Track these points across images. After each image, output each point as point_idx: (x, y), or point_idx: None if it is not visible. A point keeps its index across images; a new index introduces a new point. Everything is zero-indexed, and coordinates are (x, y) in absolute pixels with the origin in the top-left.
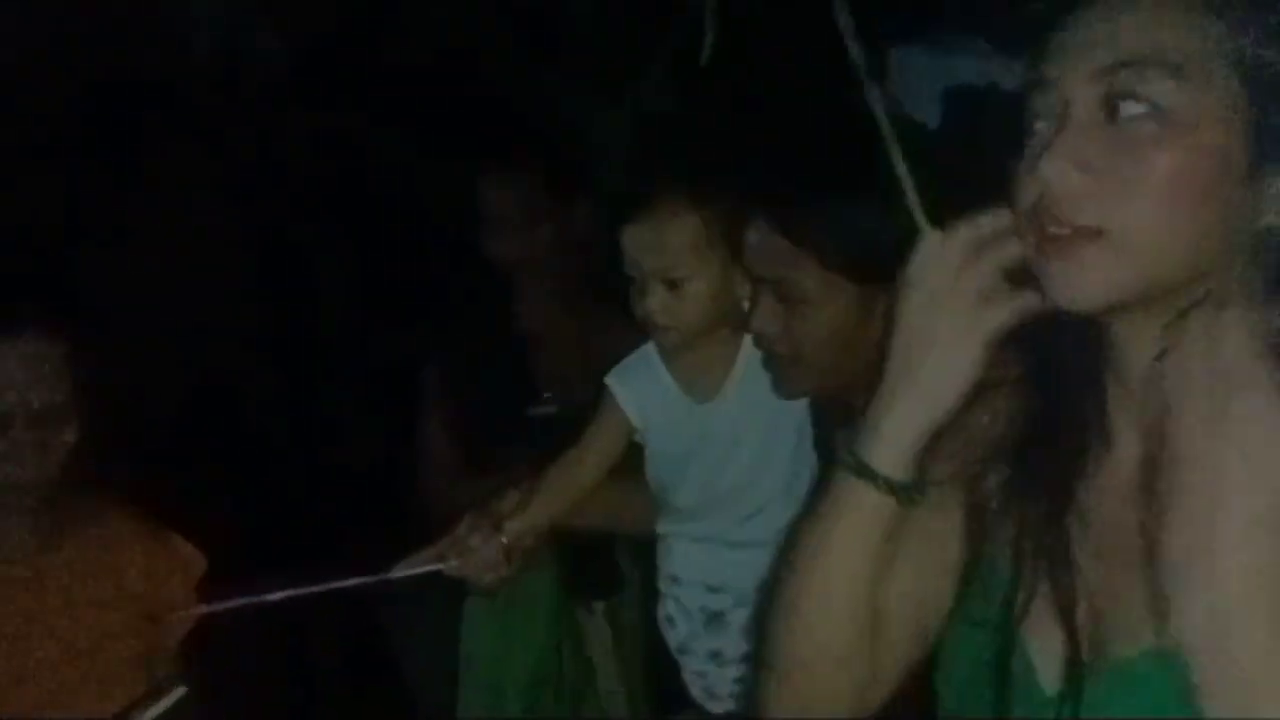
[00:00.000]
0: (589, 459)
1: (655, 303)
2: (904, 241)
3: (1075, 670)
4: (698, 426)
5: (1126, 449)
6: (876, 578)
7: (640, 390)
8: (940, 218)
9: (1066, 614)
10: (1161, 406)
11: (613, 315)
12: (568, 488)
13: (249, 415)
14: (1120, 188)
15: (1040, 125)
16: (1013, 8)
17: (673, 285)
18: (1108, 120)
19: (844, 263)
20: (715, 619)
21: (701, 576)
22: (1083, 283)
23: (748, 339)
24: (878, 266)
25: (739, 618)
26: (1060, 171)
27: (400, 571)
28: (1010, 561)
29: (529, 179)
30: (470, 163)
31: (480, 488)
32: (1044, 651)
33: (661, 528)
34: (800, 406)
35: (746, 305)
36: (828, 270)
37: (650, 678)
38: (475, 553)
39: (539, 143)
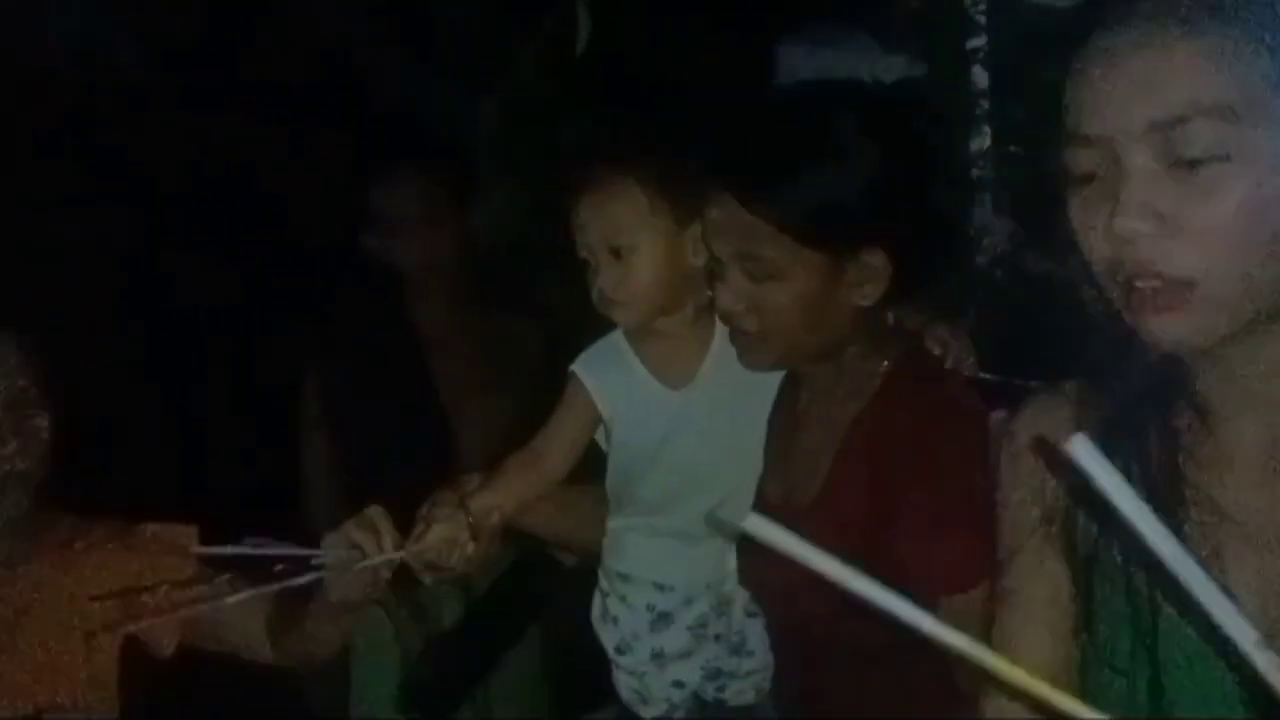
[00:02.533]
0: (555, 449)
1: (606, 278)
2: (870, 208)
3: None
4: (672, 414)
5: (1245, 431)
6: None
7: (609, 378)
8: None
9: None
10: (1272, 399)
11: (511, 320)
12: (531, 476)
13: (123, 432)
14: (1200, 235)
15: (1097, 175)
16: (894, 4)
17: (618, 254)
18: (1169, 169)
19: (811, 233)
20: (662, 618)
21: (652, 574)
22: (1180, 331)
23: (720, 326)
24: (845, 235)
25: (685, 617)
26: (1135, 227)
27: (363, 564)
28: (1124, 588)
29: (427, 181)
30: (355, 166)
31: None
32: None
33: (615, 523)
34: (769, 396)
35: (709, 285)
36: (795, 242)
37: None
38: (439, 531)
39: (434, 144)
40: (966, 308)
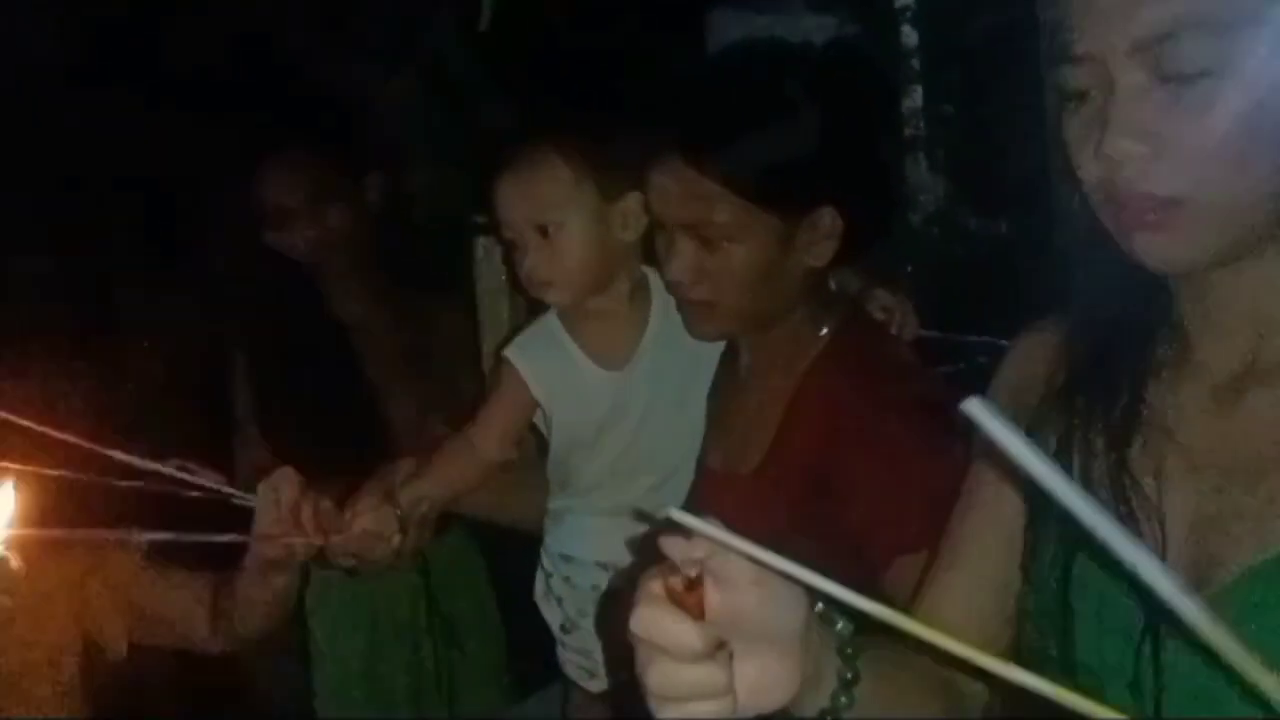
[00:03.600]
0: (488, 437)
1: (533, 258)
2: (820, 166)
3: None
4: (611, 397)
5: (1214, 356)
6: None
7: (543, 362)
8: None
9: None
10: (1251, 325)
11: (428, 299)
12: (465, 465)
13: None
14: (1190, 154)
15: (1090, 94)
16: None
17: (545, 233)
18: (1159, 86)
19: (765, 193)
20: (612, 596)
21: (595, 554)
22: (1172, 250)
23: (656, 303)
24: (797, 194)
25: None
26: (1126, 148)
27: (283, 541)
28: (1056, 535)
29: (311, 163)
30: (253, 148)
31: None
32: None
33: (555, 503)
34: (710, 367)
35: (659, 258)
36: (749, 203)
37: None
38: (365, 523)
39: (320, 124)
40: (903, 266)
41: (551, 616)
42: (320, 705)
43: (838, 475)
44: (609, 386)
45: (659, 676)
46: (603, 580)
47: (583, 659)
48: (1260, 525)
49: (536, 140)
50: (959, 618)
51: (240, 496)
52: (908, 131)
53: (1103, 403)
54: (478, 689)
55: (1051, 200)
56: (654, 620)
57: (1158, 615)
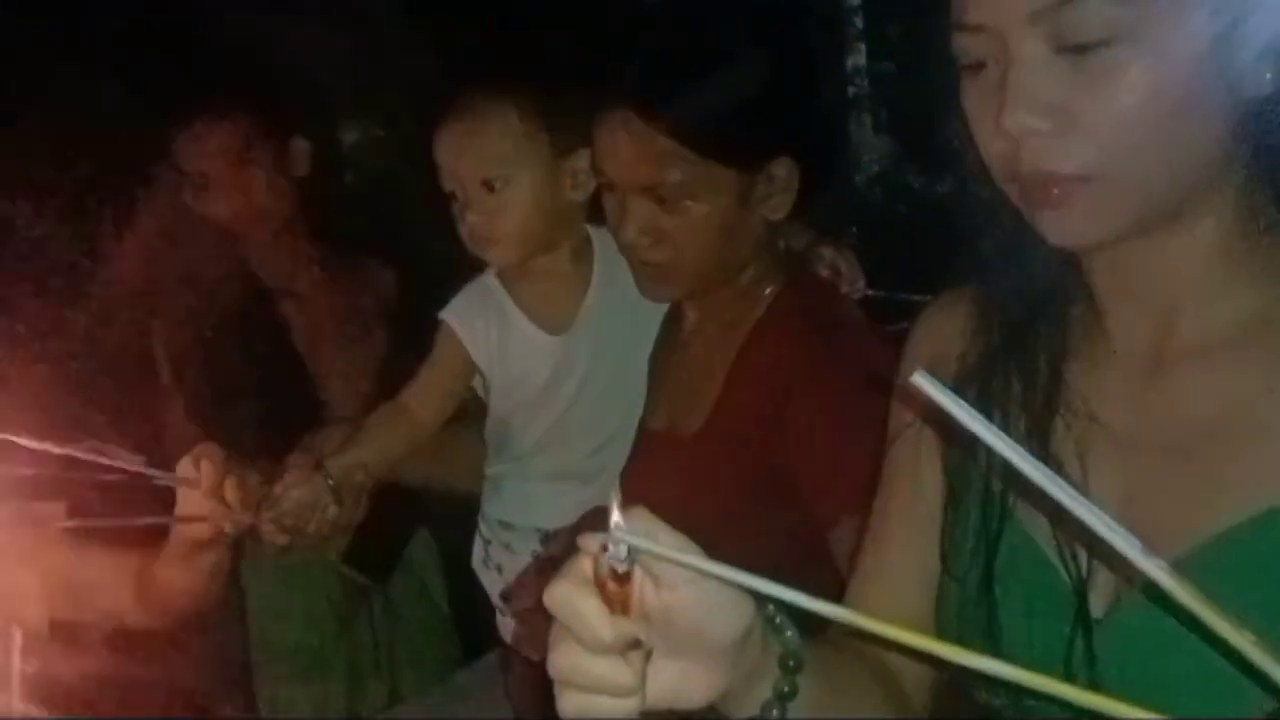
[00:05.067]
0: (424, 403)
1: (477, 215)
2: (775, 117)
3: (1080, 580)
4: (553, 360)
5: (1131, 334)
6: None
7: (483, 326)
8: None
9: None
10: (1166, 300)
11: (359, 263)
12: (399, 432)
13: None
14: (1094, 127)
15: (988, 65)
16: None
17: (491, 187)
18: (1059, 56)
19: (721, 147)
20: (551, 563)
21: (535, 520)
22: (1078, 227)
23: (599, 264)
24: (755, 146)
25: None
26: (1026, 123)
27: (210, 521)
28: (981, 498)
29: (234, 127)
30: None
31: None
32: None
33: (493, 469)
34: (653, 328)
35: (611, 219)
36: (703, 158)
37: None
38: (297, 495)
39: (243, 85)
40: (847, 226)
41: (491, 584)
42: (258, 675)
43: (785, 432)
44: (550, 350)
45: (562, 660)
46: (543, 548)
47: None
48: (1193, 505)
49: (487, 88)
50: (887, 610)
51: (160, 476)
52: (851, 90)
53: (1021, 382)
54: (418, 658)
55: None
56: (569, 600)
57: (1087, 592)
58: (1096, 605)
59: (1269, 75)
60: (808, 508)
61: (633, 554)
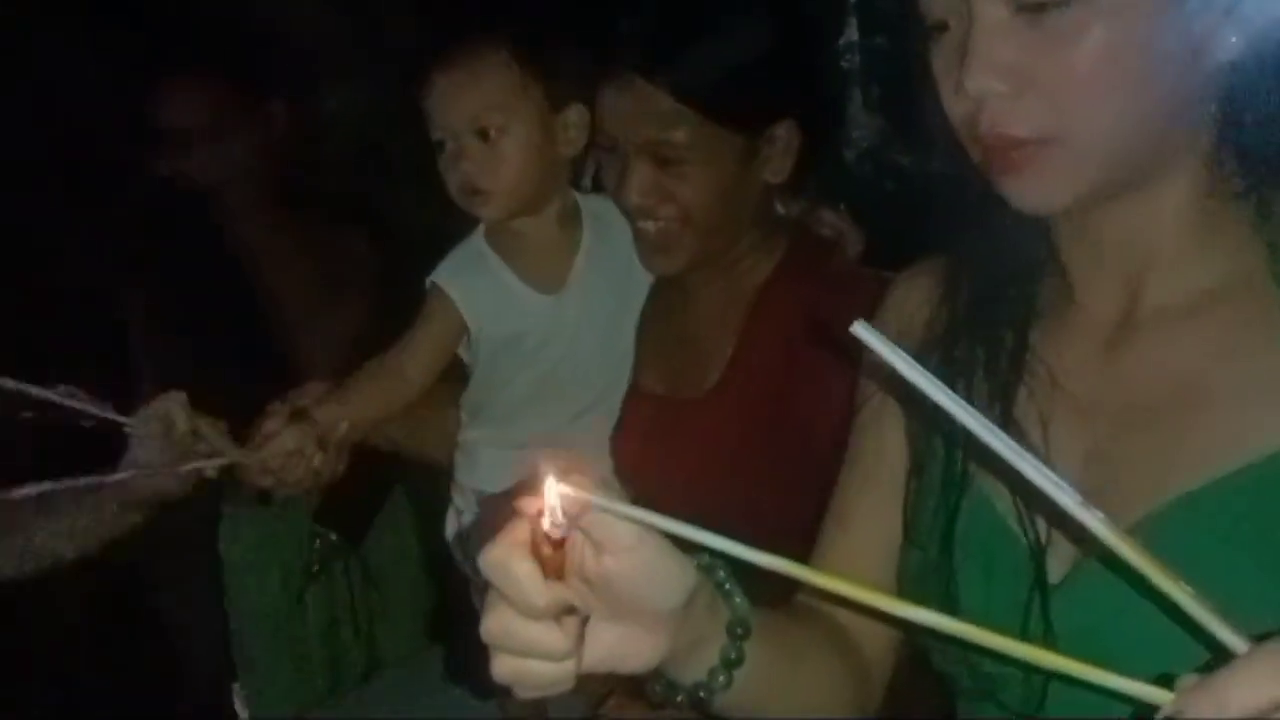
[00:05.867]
0: (413, 365)
1: (469, 165)
2: (778, 79)
3: (1037, 546)
4: (544, 320)
5: (1096, 302)
6: None
7: (474, 286)
8: None
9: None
10: (1131, 267)
11: (336, 225)
12: (385, 391)
13: None
14: (1054, 90)
15: (950, 25)
16: None
17: (485, 136)
18: (1019, 17)
19: (725, 109)
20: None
21: (497, 487)
22: (1041, 191)
23: (588, 229)
24: (756, 109)
25: None
26: (985, 85)
27: (189, 465)
28: (943, 465)
29: (212, 86)
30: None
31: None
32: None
33: (468, 434)
34: (638, 299)
35: (612, 181)
36: (707, 120)
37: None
38: (283, 441)
39: (221, 46)
40: (836, 203)
41: (464, 554)
42: (236, 645)
43: (803, 386)
44: (541, 310)
45: (494, 624)
46: None
47: None
48: (1154, 472)
49: (485, 35)
50: (852, 575)
51: (132, 425)
52: (843, 65)
53: (985, 350)
54: (396, 629)
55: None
56: (502, 563)
57: (1045, 558)
58: (1054, 571)
59: (1233, 39)
60: (828, 461)
61: (568, 519)
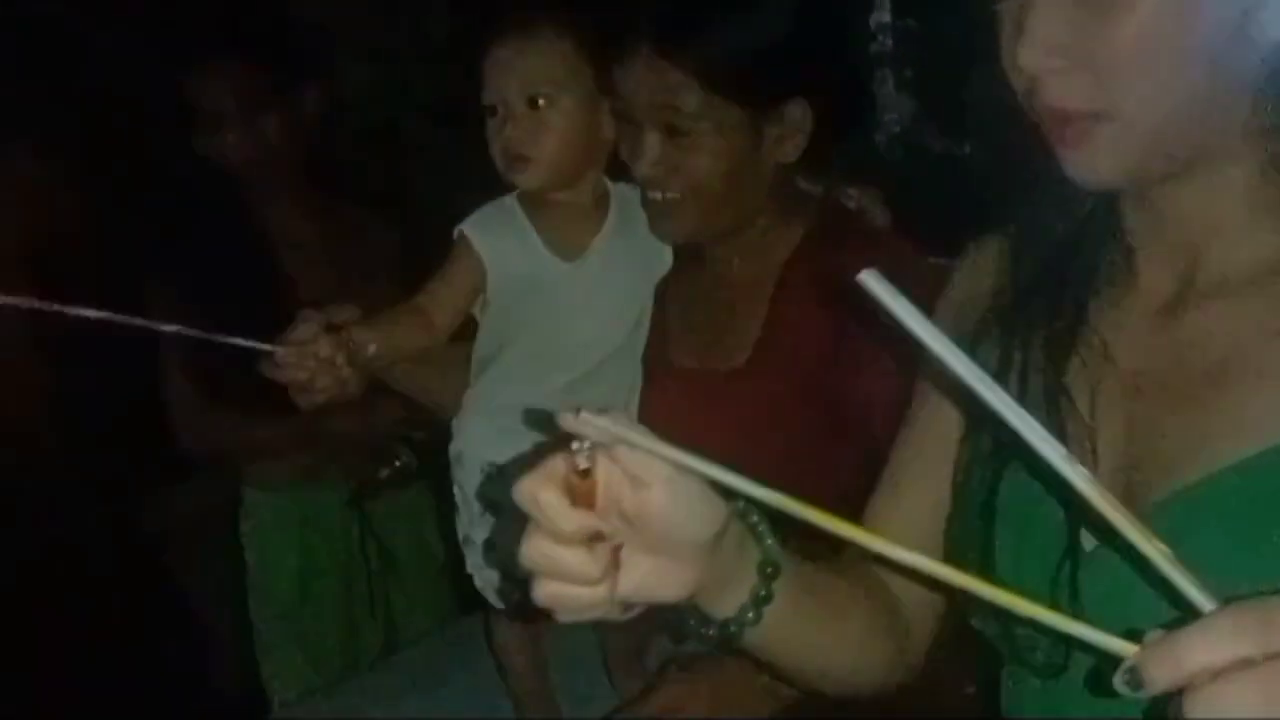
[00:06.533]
0: (437, 307)
1: (516, 129)
2: (790, 58)
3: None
4: (560, 285)
5: (1154, 275)
6: None
7: (500, 241)
8: None
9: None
10: (1190, 242)
11: (365, 213)
12: (412, 327)
13: None
14: (1105, 66)
15: (1008, 1)
16: None
17: (535, 104)
18: None
19: (732, 85)
20: (492, 508)
21: (483, 452)
22: (1098, 164)
23: (613, 211)
24: (766, 87)
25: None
26: (1037, 61)
27: (227, 338)
28: (992, 437)
29: (243, 69)
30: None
31: (238, 426)
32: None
33: (467, 397)
34: (659, 270)
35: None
36: (715, 95)
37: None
38: (315, 346)
39: (253, 29)
40: (873, 185)
41: (459, 527)
42: (256, 629)
43: (834, 356)
44: (560, 276)
45: (531, 549)
46: (488, 489)
47: (480, 574)
48: (1194, 444)
49: (546, 15)
50: (901, 539)
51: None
52: (873, 48)
53: (1044, 320)
54: (413, 611)
55: (1020, 119)
56: (532, 492)
57: (1080, 527)
58: (1087, 541)
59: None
60: (866, 423)
61: (594, 450)
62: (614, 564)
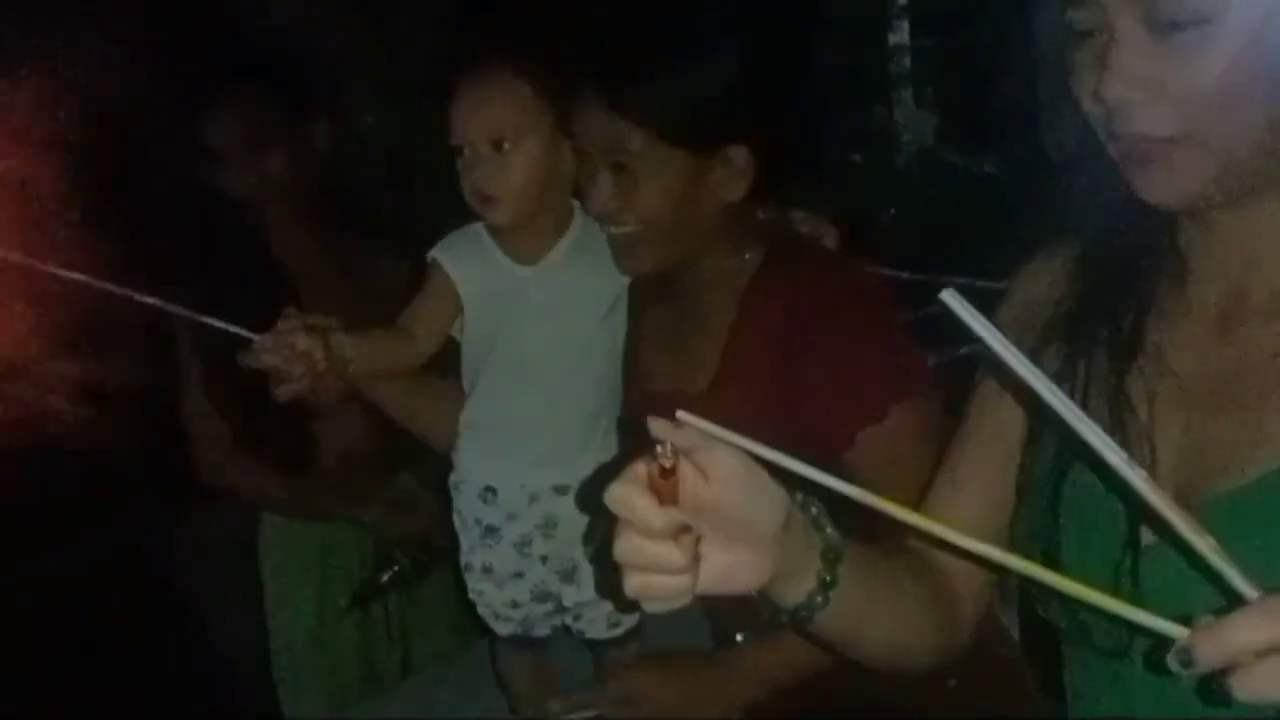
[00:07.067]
0: (418, 326)
1: (482, 172)
2: (732, 107)
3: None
4: (521, 289)
5: (1209, 291)
6: None
7: (466, 259)
8: None
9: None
10: (1246, 261)
11: (375, 244)
12: (394, 342)
13: None
14: (1183, 98)
15: (1093, 34)
16: None
17: (499, 146)
18: (1155, 32)
19: (675, 132)
20: (490, 533)
21: (481, 478)
22: (1170, 186)
23: (578, 223)
24: (708, 135)
25: (511, 534)
26: (1121, 94)
27: (214, 320)
28: (1056, 439)
29: (250, 105)
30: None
31: (259, 463)
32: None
33: (460, 425)
34: (616, 290)
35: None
36: (660, 140)
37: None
38: (293, 338)
39: (261, 65)
40: (886, 206)
41: (461, 555)
42: (275, 655)
43: (796, 365)
44: (517, 279)
45: (621, 545)
46: (484, 514)
47: (481, 599)
48: (1240, 449)
49: (503, 58)
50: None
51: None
52: (892, 68)
53: (1107, 330)
54: (429, 634)
55: (1039, 138)
56: (624, 496)
57: (1140, 522)
58: (1147, 534)
59: None
60: (824, 433)
61: (677, 451)
62: (695, 556)
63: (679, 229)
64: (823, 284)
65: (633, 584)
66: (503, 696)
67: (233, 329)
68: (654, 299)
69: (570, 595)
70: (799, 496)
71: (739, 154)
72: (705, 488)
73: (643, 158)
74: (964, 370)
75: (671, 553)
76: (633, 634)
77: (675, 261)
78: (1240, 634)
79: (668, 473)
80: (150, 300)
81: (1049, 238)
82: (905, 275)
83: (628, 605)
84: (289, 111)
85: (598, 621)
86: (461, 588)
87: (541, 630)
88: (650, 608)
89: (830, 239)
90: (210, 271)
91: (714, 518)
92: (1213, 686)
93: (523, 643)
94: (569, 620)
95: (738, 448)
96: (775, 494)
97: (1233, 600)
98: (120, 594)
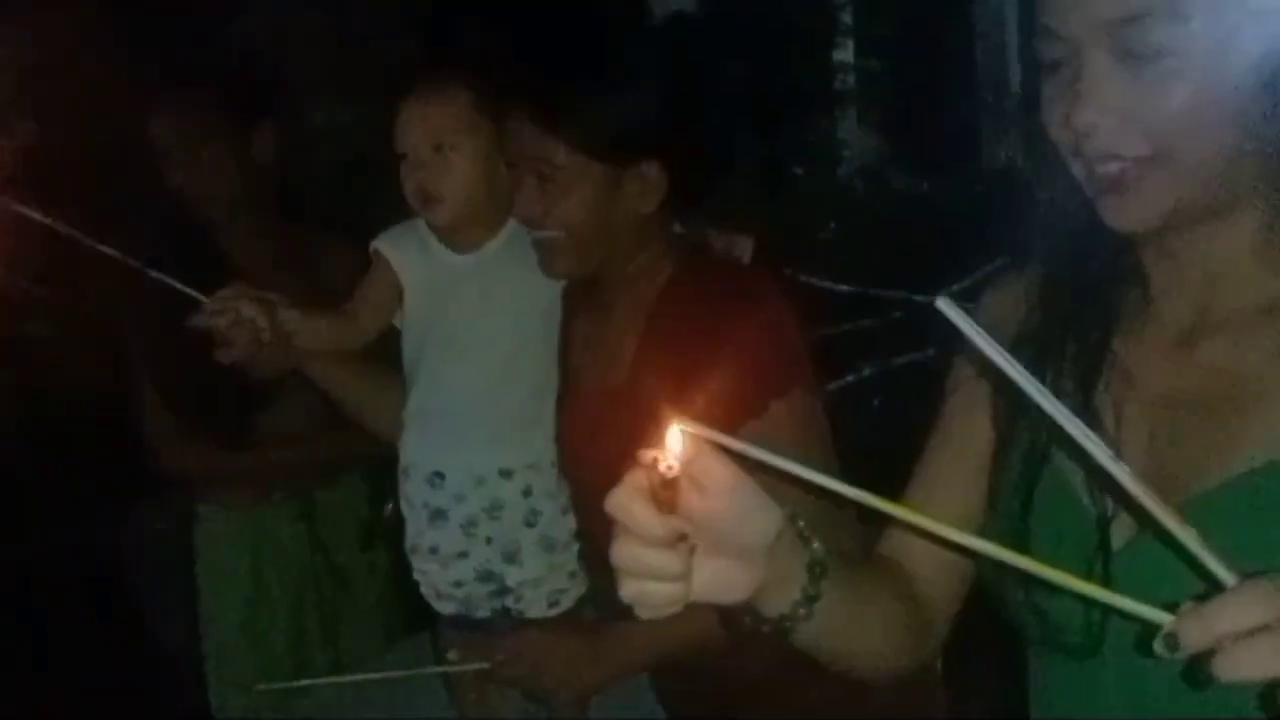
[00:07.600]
0: (362, 310)
1: (424, 172)
2: (645, 128)
3: (1103, 530)
4: (457, 277)
5: (1171, 309)
6: None
7: (406, 249)
8: None
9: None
10: (1206, 277)
11: (323, 238)
12: (334, 320)
13: None
14: (1151, 122)
15: (1062, 66)
16: None
17: (440, 150)
18: (1123, 63)
19: (593, 147)
20: (438, 515)
21: (427, 463)
22: (1137, 211)
23: (512, 222)
24: (622, 150)
25: (458, 515)
26: (1093, 122)
27: (164, 277)
28: (1026, 443)
29: (193, 106)
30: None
31: (208, 455)
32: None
33: (404, 415)
34: (552, 293)
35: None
36: (579, 153)
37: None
38: (239, 304)
39: (206, 67)
40: (825, 224)
41: (406, 537)
42: (206, 644)
43: (693, 366)
44: (454, 267)
45: (620, 551)
46: (431, 498)
47: (425, 578)
48: (1204, 456)
49: (444, 66)
50: (930, 542)
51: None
52: (836, 85)
53: (1073, 348)
54: (361, 630)
55: (978, 159)
56: (624, 503)
57: (1110, 527)
58: (1117, 538)
59: None
60: (734, 406)
61: (679, 460)
62: (690, 563)
63: (597, 236)
64: (719, 295)
65: (629, 590)
66: (431, 691)
67: (184, 289)
68: (582, 303)
69: (513, 575)
70: (789, 510)
71: (651, 169)
72: (699, 499)
73: (565, 169)
74: (911, 377)
75: (670, 560)
76: (570, 615)
77: (594, 266)
78: (1227, 615)
79: (668, 481)
80: (109, 251)
81: (985, 255)
82: (844, 288)
83: (613, 605)
84: (234, 112)
85: (537, 602)
86: (392, 585)
87: (483, 611)
88: (644, 614)
89: (744, 252)
90: (157, 264)
91: (706, 529)
92: (1195, 669)
93: (463, 623)
94: (510, 602)
95: (736, 455)
96: (767, 507)
97: (1213, 589)
98: (59, 589)
